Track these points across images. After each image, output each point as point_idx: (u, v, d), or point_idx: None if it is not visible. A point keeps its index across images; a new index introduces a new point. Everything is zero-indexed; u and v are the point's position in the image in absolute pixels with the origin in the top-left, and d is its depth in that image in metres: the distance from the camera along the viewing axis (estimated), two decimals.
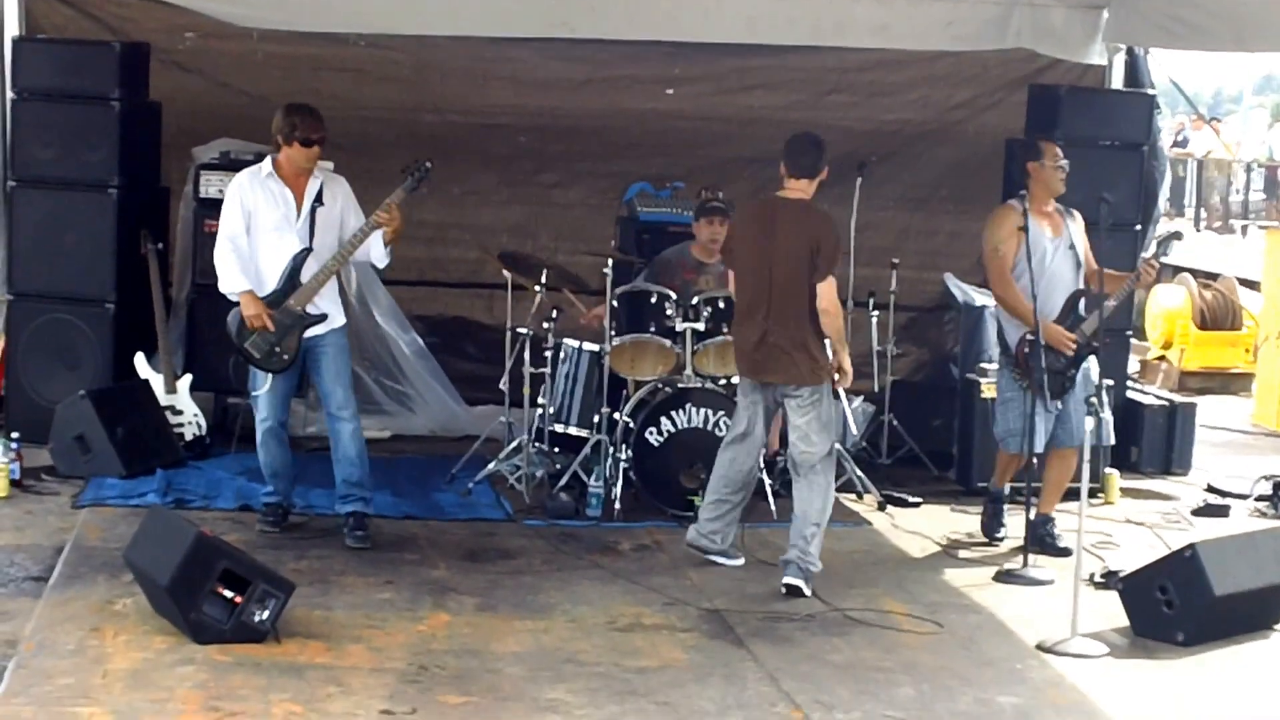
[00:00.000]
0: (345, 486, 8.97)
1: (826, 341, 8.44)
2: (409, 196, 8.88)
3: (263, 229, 8.79)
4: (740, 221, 8.97)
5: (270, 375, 8.86)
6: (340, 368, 8.98)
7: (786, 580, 8.29)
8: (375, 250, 8.90)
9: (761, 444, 8.80)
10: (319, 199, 8.83)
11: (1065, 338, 9.17)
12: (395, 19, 11.42)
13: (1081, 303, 9.27)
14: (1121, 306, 9.40)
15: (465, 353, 12.21)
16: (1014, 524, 9.39)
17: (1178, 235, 9.53)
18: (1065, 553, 9.04)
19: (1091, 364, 9.26)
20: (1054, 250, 9.27)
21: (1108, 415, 9.21)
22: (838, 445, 10.24)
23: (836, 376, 8.44)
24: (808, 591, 8.24)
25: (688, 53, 12.02)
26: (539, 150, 12.36)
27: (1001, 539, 9.52)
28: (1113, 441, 9.54)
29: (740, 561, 8.75)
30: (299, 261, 8.76)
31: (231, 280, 8.77)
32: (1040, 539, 9.22)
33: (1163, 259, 9.42)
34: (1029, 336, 9.12)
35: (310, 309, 8.80)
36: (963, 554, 9.35)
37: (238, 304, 8.76)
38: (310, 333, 8.83)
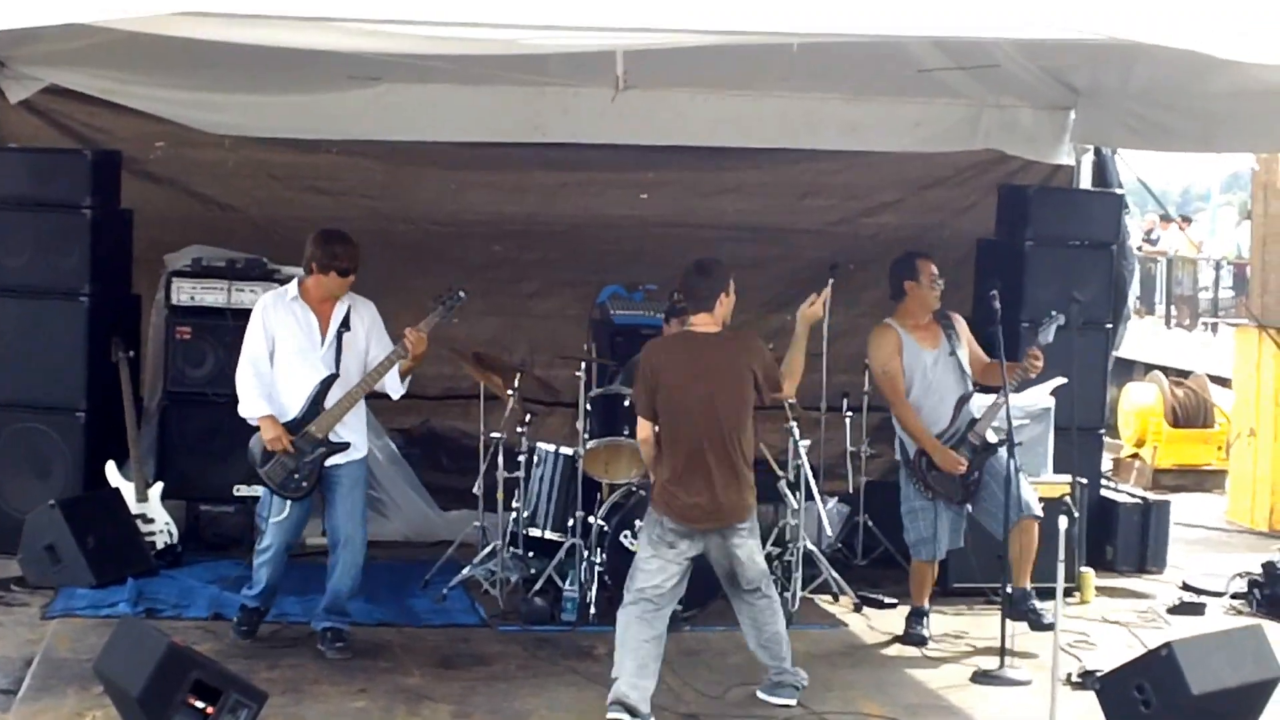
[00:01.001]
0: (327, 612, 8.90)
1: None
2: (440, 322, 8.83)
3: (286, 353, 8.74)
4: (659, 364, 8.11)
5: (288, 504, 8.80)
6: (355, 503, 8.90)
7: (788, 702, 8.19)
8: (390, 381, 8.83)
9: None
10: (345, 324, 8.78)
11: (954, 462, 9.32)
12: (367, 125, 11.47)
13: (969, 404, 9.38)
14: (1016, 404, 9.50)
15: (440, 464, 12.09)
16: (988, 625, 9.36)
17: (1056, 317, 9.55)
18: (1050, 628, 9.02)
19: (999, 458, 9.29)
20: (934, 363, 9.46)
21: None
22: (812, 547, 10.27)
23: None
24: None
25: (661, 157, 12.06)
26: (514, 259, 12.27)
27: (925, 640, 9.50)
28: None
29: None
30: (324, 388, 8.70)
31: (251, 405, 8.71)
32: (1024, 614, 9.28)
33: (1044, 343, 9.47)
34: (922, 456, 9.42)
35: (333, 437, 8.74)
36: (940, 655, 9.30)
37: (256, 427, 8.72)
38: (330, 461, 8.77)
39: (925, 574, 9.64)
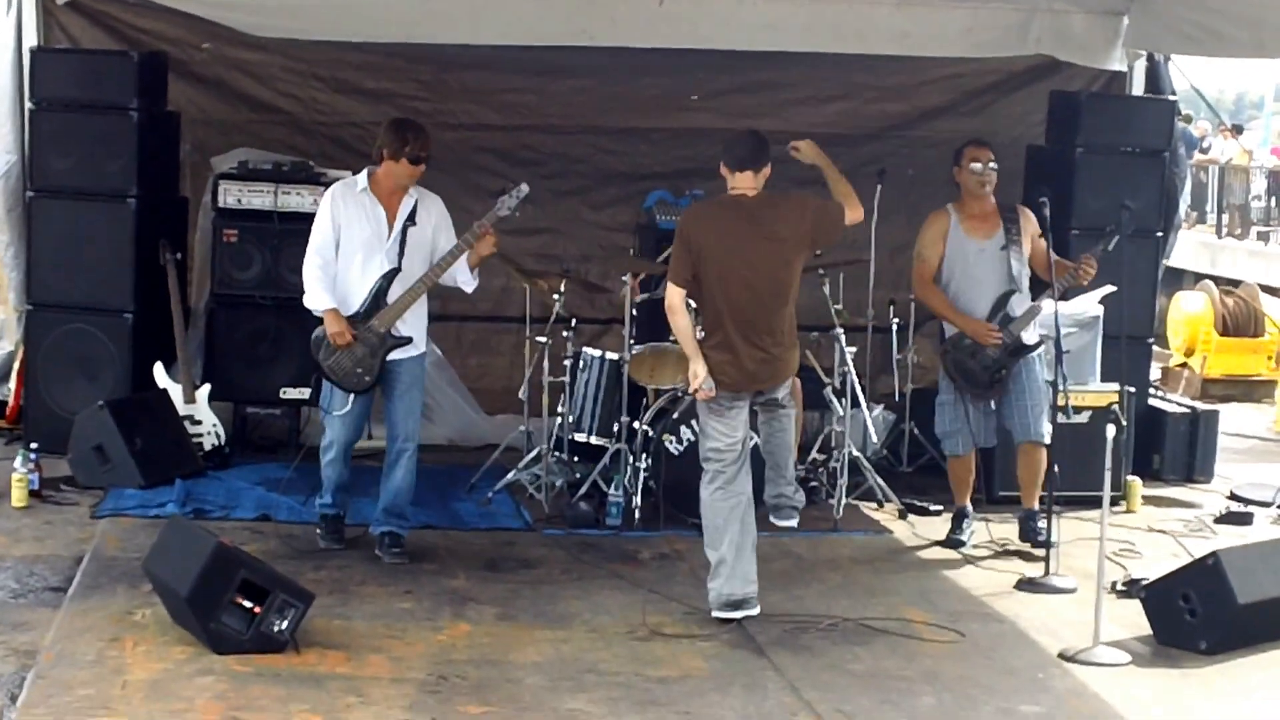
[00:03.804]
0: (386, 514, 8.90)
1: None
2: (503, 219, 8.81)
3: (351, 245, 8.69)
4: (700, 228, 8.04)
5: (351, 396, 8.80)
6: (413, 399, 8.89)
7: (790, 524, 8.55)
8: (461, 275, 8.81)
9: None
10: (411, 218, 8.73)
11: (987, 331, 9.29)
12: (414, 28, 11.39)
13: (1011, 302, 9.30)
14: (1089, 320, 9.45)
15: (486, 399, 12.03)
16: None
17: (1115, 231, 9.44)
18: (1044, 544, 9.00)
19: (1034, 363, 9.31)
20: (979, 254, 9.35)
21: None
22: (857, 454, 10.27)
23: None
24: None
25: (710, 61, 11.95)
26: (561, 164, 12.19)
27: (962, 544, 9.52)
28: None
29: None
30: (386, 282, 8.67)
31: (317, 297, 8.68)
32: (1026, 533, 9.40)
33: (1102, 253, 9.37)
34: (949, 338, 9.47)
35: (394, 331, 8.74)
36: (984, 562, 9.30)
37: (319, 320, 8.72)
38: (391, 356, 8.76)
39: (959, 471, 9.63)
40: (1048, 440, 9.27)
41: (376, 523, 8.93)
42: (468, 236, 8.69)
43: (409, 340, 8.77)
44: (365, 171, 8.79)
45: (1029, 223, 9.44)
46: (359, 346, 8.67)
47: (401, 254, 8.70)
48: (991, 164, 9.39)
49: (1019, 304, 9.33)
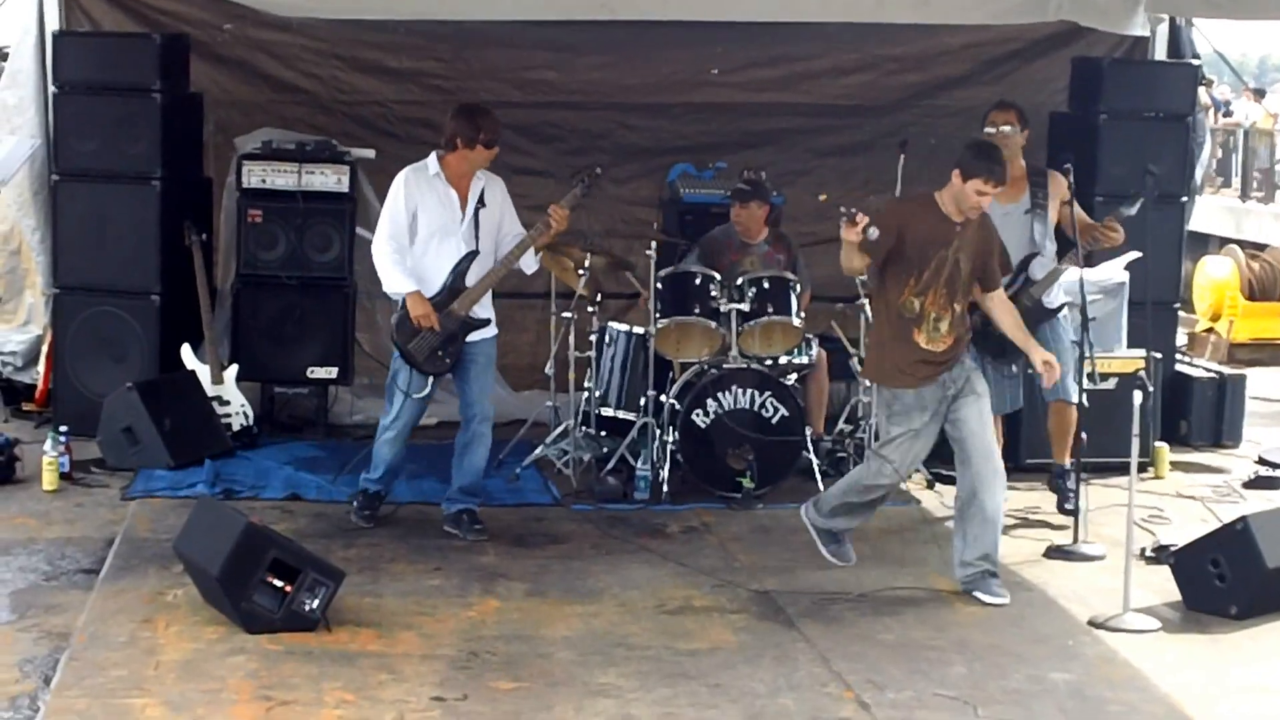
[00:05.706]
0: (461, 493, 8.93)
1: None
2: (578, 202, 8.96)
3: (428, 229, 8.70)
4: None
5: (430, 379, 8.82)
6: (488, 379, 8.96)
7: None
8: (525, 258, 8.86)
9: None
10: (481, 201, 8.77)
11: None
12: (433, 5, 11.37)
13: (1032, 265, 9.23)
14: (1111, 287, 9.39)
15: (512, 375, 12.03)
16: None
17: (1138, 194, 9.37)
18: (1072, 513, 8.97)
19: (1059, 325, 9.24)
20: (1003, 217, 9.16)
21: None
22: None
23: None
24: None
25: (731, 33, 11.91)
26: (583, 139, 12.17)
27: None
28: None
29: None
30: (465, 265, 8.71)
31: (396, 282, 8.68)
32: (1056, 489, 9.45)
33: (1125, 214, 9.31)
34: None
35: (472, 314, 8.76)
36: (1012, 530, 9.28)
37: (395, 302, 8.78)
38: (469, 338, 8.79)
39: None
40: (1074, 399, 9.20)
41: (452, 501, 8.95)
42: (545, 220, 8.74)
43: (487, 321, 8.82)
44: (433, 156, 8.78)
45: (1058, 187, 9.36)
46: (441, 329, 8.69)
47: (477, 236, 8.73)
48: (1006, 127, 9.28)
49: (1040, 267, 9.26)
